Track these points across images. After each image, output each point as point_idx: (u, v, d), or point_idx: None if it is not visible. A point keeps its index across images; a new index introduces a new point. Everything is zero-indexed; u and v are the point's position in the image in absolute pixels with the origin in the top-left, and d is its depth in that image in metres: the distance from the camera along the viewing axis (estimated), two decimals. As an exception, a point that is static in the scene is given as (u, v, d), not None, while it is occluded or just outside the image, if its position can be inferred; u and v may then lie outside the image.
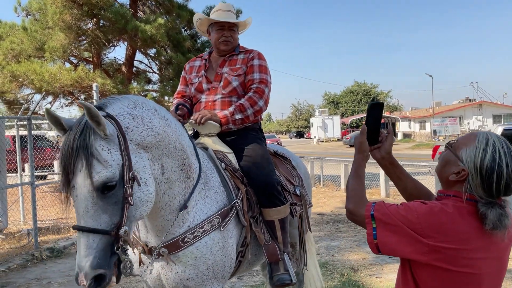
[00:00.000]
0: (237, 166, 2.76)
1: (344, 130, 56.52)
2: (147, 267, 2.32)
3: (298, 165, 3.44)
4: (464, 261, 1.54)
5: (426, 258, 1.54)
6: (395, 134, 50.91)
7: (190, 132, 2.82)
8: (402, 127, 53.85)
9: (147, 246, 2.32)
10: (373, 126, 1.90)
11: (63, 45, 11.57)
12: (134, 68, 14.44)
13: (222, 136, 2.87)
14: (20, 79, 11.20)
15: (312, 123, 57.49)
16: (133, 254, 2.42)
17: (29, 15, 13.08)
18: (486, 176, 1.54)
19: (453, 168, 1.62)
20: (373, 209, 1.61)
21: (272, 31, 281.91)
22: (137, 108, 2.04)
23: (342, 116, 66.79)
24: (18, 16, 13.24)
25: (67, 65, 13.47)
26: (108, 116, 1.87)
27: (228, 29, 2.99)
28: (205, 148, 2.72)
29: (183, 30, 14.15)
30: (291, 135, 79.54)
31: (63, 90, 12.24)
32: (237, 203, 2.49)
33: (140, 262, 2.39)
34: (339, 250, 6.60)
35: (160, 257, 2.27)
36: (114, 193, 1.79)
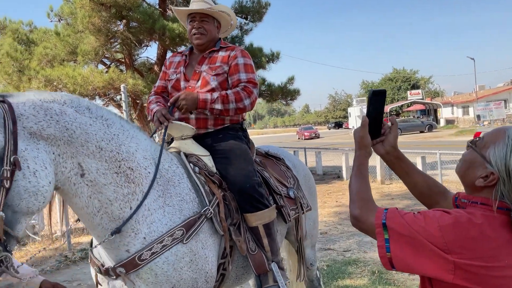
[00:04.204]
0: (214, 169, 2.53)
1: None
2: None
3: (295, 166, 3.18)
4: (496, 280, 1.29)
5: (451, 277, 1.29)
6: (437, 121, 49.28)
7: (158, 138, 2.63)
8: (445, 113, 51.89)
9: (103, 266, 2.15)
10: (374, 116, 1.68)
11: (95, 48, 11.74)
12: (166, 67, 14.50)
13: (198, 138, 2.63)
14: (55, 83, 11.43)
15: (350, 112, 56.45)
16: (92, 274, 2.30)
17: (61, 20, 13.36)
18: None
19: (479, 171, 1.37)
20: (385, 217, 1.37)
21: (306, 21, 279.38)
22: (53, 103, 1.93)
23: (381, 104, 65.34)
24: (51, 21, 13.55)
25: (100, 67, 13.70)
26: (2, 102, 1.80)
27: (199, 20, 2.74)
28: (178, 152, 2.52)
29: (212, 26, 14.02)
30: (330, 125, 78.49)
31: (97, 92, 12.45)
32: (209, 210, 2.25)
33: (97, 284, 2.22)
34: (372, 246, 6.30)
35: (118, 277, 2.09)
36: None
